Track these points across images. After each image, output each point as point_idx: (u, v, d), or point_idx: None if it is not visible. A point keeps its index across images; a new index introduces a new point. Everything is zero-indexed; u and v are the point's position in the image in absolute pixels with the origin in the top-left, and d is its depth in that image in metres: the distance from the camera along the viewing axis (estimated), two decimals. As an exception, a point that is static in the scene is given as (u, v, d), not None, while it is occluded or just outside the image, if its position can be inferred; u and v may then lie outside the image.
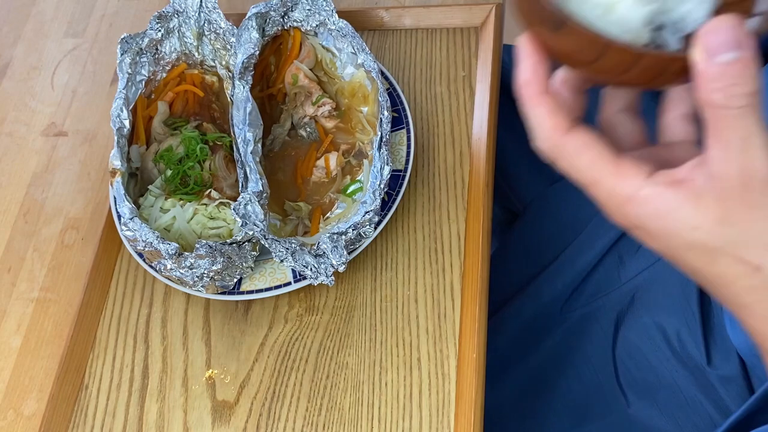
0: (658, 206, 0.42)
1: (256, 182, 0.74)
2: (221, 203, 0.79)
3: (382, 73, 0.85)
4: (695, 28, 0.42)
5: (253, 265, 0.77)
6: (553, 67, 0.46)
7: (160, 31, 0.84)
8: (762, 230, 0.41)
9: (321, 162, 0.82)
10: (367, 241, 0.77)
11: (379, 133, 0.77)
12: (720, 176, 0.41)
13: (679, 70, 0.40)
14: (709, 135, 0.40)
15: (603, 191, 0.44)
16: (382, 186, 0.75)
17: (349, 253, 0.75)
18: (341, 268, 0.73)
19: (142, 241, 0.73)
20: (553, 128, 0.44)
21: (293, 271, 0.77)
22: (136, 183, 0.82)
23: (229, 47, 0.85)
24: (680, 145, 0.47)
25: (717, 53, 0.38)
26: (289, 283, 0.77)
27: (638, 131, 0.49)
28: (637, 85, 0.44)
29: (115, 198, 0.77)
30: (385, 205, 0.78)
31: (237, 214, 0.72)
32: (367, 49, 0.82)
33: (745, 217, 0.41)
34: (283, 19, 0.84)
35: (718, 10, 0.44)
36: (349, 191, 0.81)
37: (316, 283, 0.73)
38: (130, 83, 0.81)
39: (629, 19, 0.43)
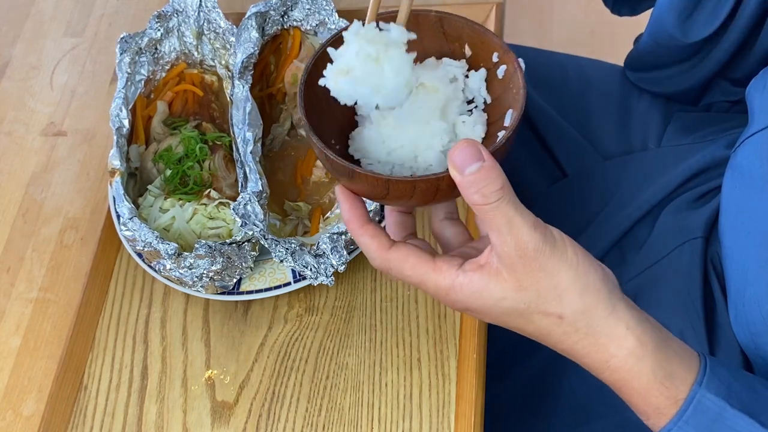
0: (473, 288, 0.53)
1: (255, 182, 0.74)
2: (221, 203, 0.79)
3: (382, 73, 0.85)
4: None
5: (252, 265, 0.77)
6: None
7: (159, 30, 0.84)
8: (548, 287, 0.52)
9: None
10: (367, 241, 0.76)
11: (379, 133, 0.77)
12: (504, 255, 0.51)
13: (448, 185, 0.52)
14: (485, 227, 0.52)
15: (430, 287, 0.55)
16: (382, 186, 0.75)
17: (349, 253, 0.75)
18: (341, 269, 0.73)
19: (142, 241, 0.73)
20: (377, 249, 0.55)
21: (293, 271, 0.77)
22: (136, 183, 0.82)
23: (228, 47, 0.85)
24: (483, 239, 0.58)
25: (464, 167, 0.50)
26: (288, 284, 0.77)
27: (461, 232, 0.60)
28: (426, 203, 0.56)
29: (114, 198, 0.77)
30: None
31: (237, 214, 0.71)
32: (367, 48, 0.82)
33: (533, 281, 0.52)
34: (283, 19, 0.84)
35: (488, 129, 0.59)
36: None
37: (315, 283, 0.73)
38: (129, 83, 0.81)
39: (430, 158, 0.57)
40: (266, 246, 0.72)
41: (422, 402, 0.72)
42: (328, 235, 0.73)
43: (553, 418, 0.85)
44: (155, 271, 0.77)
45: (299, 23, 0.85)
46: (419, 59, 0.59)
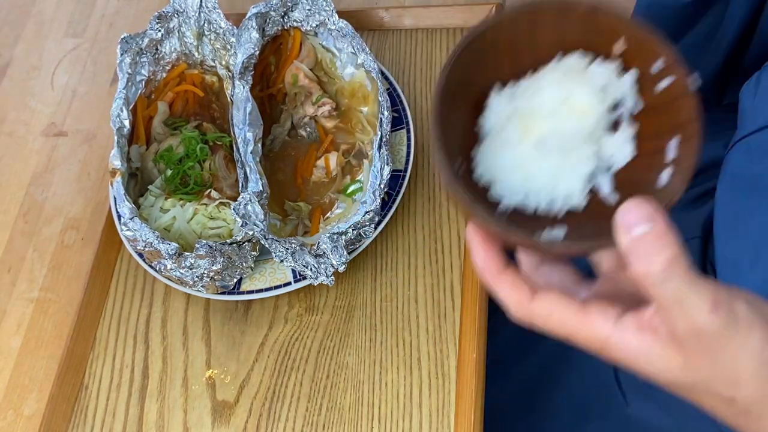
0: (629, 352, 0.45)
1: (256, 182, 0.74)
2: (221, 203, 0.79)
3: (382, 73, 0.85)
4: (622, 166, 0.48)
5: (253, 265, 0.77)
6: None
7: (160, 31, 0.84)
8: (723, 370, 0.44)
9: (321, 162, 0.82)
10: (367, 241, 0.77)
11: (380, 133, 0.77)
12: (673, 331, 0.43)
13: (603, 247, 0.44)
14: (650, 298, 0.43)
15: (581, 340, 0.46)
16: (382, 186, 0.75)
17: (349, 253, 0.75)
18: (341, 268, 0.73)
19: (142, 241, 0.73)
20: (518, 302, 0.47)
21: (293, 271, 0.77)
22: (136, 183, 0.82)
23: (229, 47, 0.85)
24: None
25: (632, 229, 0.41)
26: (289, 283, 0.77)
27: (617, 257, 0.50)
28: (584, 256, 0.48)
29: (115, 198, 0.77)
30: (385, 205, 0.78)
31: (237, 214, 0.72)
32: (367, 49, 0.82)
33: (705, 363, 0.44)
34: (283, 19, 0.84)
35: (634, 158, 0.48)
36: (349, 191, 0.81)
37: (316, 283, 0.73)
38: (130, 83, 0.81)
39: (573, 187, 0.48)
40: (266, 246, 0.72)
41: (422, 401, 0.72)
42: (328, 235, 0.73)
43: (552, 417, 0.85)
44: (156, 270, 0.77)
45: (299, 24, 0.85)
46: (561, 49, 0.49)
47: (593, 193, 0.49)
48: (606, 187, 0.48)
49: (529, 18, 0.48)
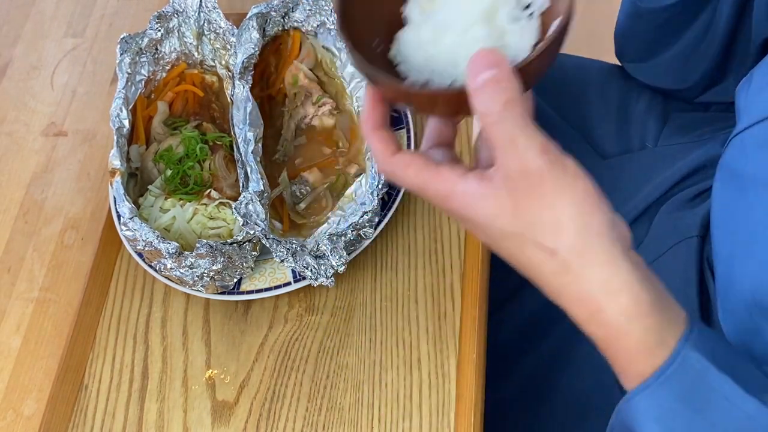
0: (469, 198, 0.49)
1: (257, 182, 0.74)
2: (221, 203, 0.79)
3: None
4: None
5: (253, 265, 0.77)
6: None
7: (159, 30, 0.84)
8: (546, 217, 0.48)
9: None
10: (367, 242, 0.77)
11: (379, 133, 0.77)
12: (505, 173, 0.48)
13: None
14: (489, 140, 0.48)
15: (430, 193, 0.51)
16: (380, 186, 0.75)
17: (349, 254, 0.75)
18: (341, 269, 0.73)
19: (142, 240, 0.73)
20: (382, 153, 0.53)
21: (293, 271, 0.77)
22: (136, 183, 0.82)
23: (228, 47, 0.85)
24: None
25: (478, 74, 0.46)
26: (289, 283, 0.77)
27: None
28: (455, 115, 0.54)
29: (114, 198, 0.77)
30: (385, 205, 0.78)
31: (238, 213, 0.72)
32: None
33: (530, 207, 0.48)
34: (284, 20, 0.84)
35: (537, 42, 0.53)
36: (348, 191, 0.81)
37: (315, 284, 0.73)
38: (129, 83, 0.81)
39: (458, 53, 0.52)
40: (267, 246, 0.72)
41: (422, 402, 0.72)
42: (327, 236, 0.73)
43: (552, 417, 0.85)
44: (156, 270, 0.77)
45: (300, 24, 0.85)
46: None
47: None
48: None
49: None
